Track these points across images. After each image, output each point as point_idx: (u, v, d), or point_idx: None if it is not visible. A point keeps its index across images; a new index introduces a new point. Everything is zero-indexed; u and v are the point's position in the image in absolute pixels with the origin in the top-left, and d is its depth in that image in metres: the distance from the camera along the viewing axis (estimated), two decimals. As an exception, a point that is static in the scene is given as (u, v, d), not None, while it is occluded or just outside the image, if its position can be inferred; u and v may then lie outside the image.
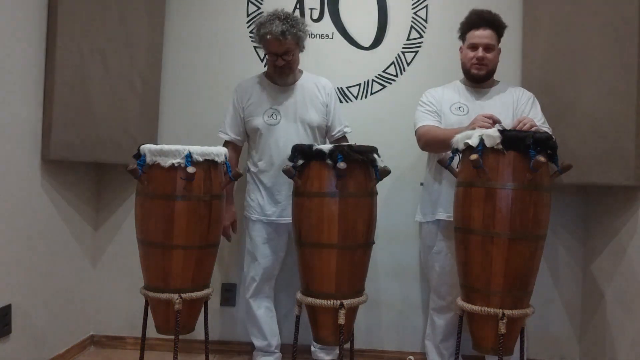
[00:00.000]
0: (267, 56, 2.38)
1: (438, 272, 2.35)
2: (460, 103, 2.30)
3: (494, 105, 2.28)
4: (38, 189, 2.35)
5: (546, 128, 2.22)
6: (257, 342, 2.52)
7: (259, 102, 2.41)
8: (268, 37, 2.23)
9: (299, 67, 2.45)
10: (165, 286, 1.99)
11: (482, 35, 2.22)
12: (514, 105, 2.28)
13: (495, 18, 2.25)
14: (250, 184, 2.48)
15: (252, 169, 2.45)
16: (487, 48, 2.23)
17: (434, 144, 2.24)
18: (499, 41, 2.28)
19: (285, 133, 2.37)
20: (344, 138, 2.51)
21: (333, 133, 2.49)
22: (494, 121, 2.03)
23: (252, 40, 2.78)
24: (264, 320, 2.50)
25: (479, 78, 2.28)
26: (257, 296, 2.49)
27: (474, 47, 2.24)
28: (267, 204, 2.40)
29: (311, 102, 2.43)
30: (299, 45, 2.33)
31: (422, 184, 2.49)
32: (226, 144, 2.46)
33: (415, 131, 2.33)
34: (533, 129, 1.97)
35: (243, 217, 2.54)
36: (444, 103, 2.32)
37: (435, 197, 2.32)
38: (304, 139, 2.37)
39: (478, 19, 2.24)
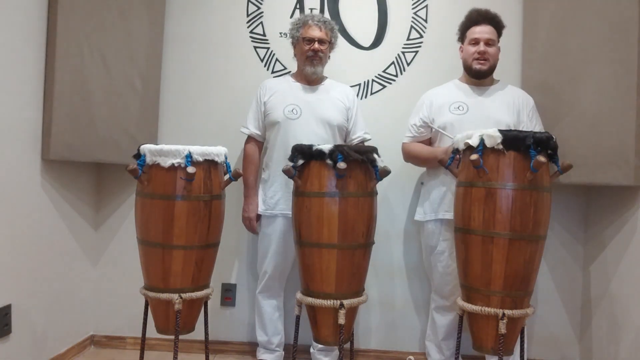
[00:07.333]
0: (298, 47, 2.46)
1: (441, 272, 2.34)
2: (459, 102, 2.31)
3: (493, 102, 2.31)
4: (38, 189, 2.34)
5: None
6: (260, 337, 2.56)
7: (281, 98, 2.47)
8: (310, 22, 2.42)
9: (324, 74, 2.55)
10: (165, 286, 1.99)
11: (483, 30, 2.27)
12: (517, 108, 2.30)
13: (495, 15, 2.31)
14: (265, 180, 2.51)
15: (269, 164, 2.49)
16: (489, 43, 2.27)
17: (413, 161, 2.46)
18: (498, 40, 2.32)
19: (305, 129, 2.40)
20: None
21: (353, 137, 2.52)
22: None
23: (252, 40, 2.78)
24: (268, 317, 2.53)
25: (481, 73, 2.29)
26: (266, 292, 2.54)
27: (475, 42, 2.27)
28: (282, 199, 2.42)
29: (333, 103, 2.48)
30: (332, 43, 2.49)
31: (422, 183, 2.52)
32: (248, 139, 2.55)
33: (402, 143, 2.46)
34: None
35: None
36: (444, 105, 2.33)
37: (437, 196, 2.32)
38: (323, 136, 2.40)
39: (478, 16, 2.30)
